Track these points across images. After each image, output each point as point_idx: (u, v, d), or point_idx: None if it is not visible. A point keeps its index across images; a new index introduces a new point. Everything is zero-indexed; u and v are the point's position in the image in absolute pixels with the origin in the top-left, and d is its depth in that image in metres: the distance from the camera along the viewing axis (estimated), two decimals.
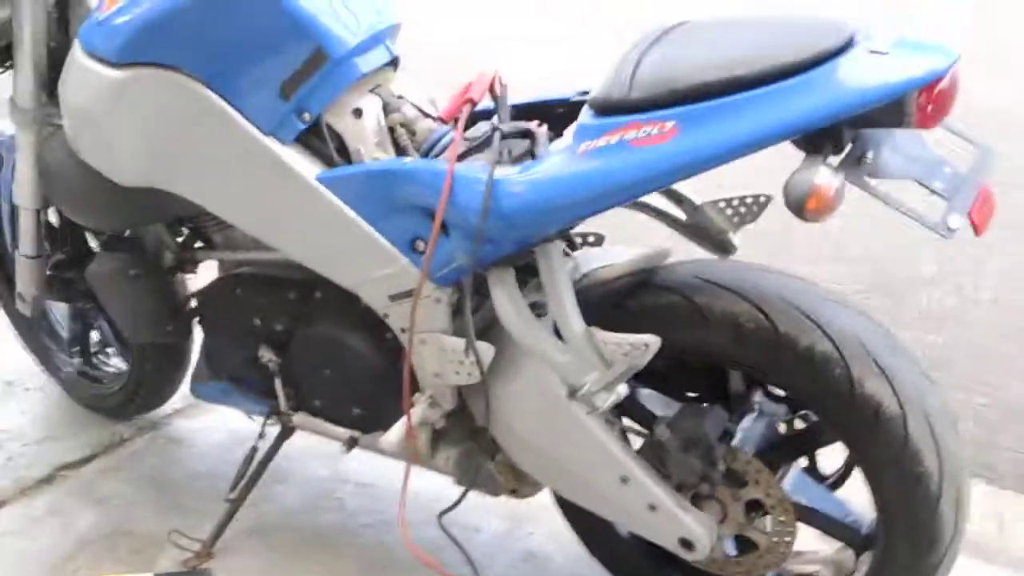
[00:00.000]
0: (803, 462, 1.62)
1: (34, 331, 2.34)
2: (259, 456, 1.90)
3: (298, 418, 1.81)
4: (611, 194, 1.36)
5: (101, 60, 1.60)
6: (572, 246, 1.70)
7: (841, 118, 1.24)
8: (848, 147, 1.30)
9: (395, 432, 1.60)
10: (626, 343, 1.41)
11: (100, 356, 2.34)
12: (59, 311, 2.34)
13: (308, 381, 1.77)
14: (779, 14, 1.42)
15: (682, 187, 1.64)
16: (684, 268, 1.53)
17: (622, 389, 1.45)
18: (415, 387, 1.62)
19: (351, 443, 1.76)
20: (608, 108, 1.38)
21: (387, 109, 1.64)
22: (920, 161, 1.29)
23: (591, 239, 1.75)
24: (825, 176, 1.23)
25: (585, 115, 1.41)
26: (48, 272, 2.08)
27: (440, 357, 1.57)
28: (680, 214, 1.68)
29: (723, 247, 1.66)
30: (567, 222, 1.45)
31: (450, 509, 1.66)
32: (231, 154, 1.59)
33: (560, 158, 1.40)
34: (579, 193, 1.37)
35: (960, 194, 1.26)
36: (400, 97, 1.66)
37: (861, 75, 1.22)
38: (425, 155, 1.62)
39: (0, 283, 2.30)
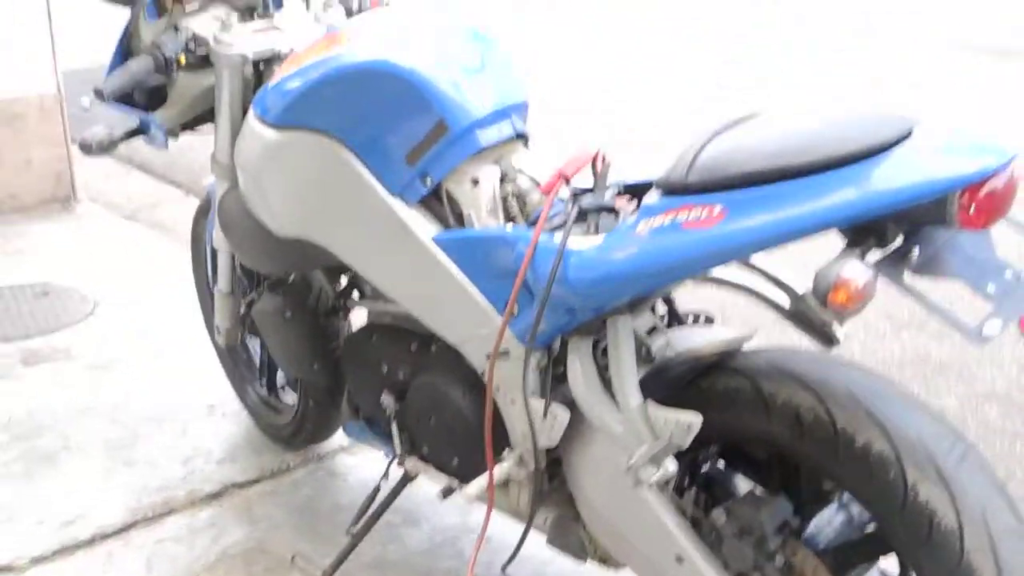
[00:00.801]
0: (880, 565, 1.54)
1: (233, 361, 2.61)
2: (383, 495, 2.03)
3: (410, 462, 1.93)
4: (662, 272, 1.39)
5: (265, 122, 1.81)
6: (679, 320, 1.72)
7: (879, 214, 1.21)
8: (896, 241, 1.26)
9: (475, 485, 1.67)
10: (672, 420, 1.42)
11: (282, 389, 2.57)
12: (256, 344, 2.60)
13: (418, 427, 1.88)
14: (855, 107, 1.41)
15: (786, 274, 1.63)
16: (764, 354, 1.52)
17: (671, 465, 1.45)
18: (507, 443, 1.70)
19: (447, 492, 1.84)
20: (669, 189, 1.41)
21: (504, 179, 1.74)
22: (977, 262, 1.23)
23: (701, 318, 1.76)
24: (852, 270, 1.20)
25: (651, 194, 1.45)
26: (242, 308, 2.35)
27: (525, 418, 1.63)
28: (785, 301, 1.67)
29: (827, 338, 1.62)
30: (627, 295, 1.48)
31: (509, 561, 1.73)
32: (364, 211, 1.75)
33: (623, 234, 1.44)
34: (633, 269, 1.41)
35: (1013, 299, 1.19)
36: (519, 170, 1.76)
37: (905, 171, 1.19)
38: (531, 225, 1.70)
39: (208, 316, 2.58)
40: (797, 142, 1.32)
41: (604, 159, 1.65)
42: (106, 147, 2.02)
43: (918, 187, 1.17)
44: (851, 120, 1.34)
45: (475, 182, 1.72)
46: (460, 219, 1.73)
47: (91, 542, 2.17)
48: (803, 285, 1.62)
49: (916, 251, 1.25)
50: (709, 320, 1.74)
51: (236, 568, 2.07)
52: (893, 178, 1.19)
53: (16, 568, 2.09)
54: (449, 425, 1.81)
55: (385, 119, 1.72)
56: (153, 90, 2.08)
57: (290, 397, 2.54)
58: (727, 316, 1.73)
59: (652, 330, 1.61)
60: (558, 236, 1.53)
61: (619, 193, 1.63)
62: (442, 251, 1.69)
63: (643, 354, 1.59)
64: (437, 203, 1.75)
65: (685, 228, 1.36)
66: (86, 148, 2.02)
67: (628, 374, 1.48)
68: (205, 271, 2.58)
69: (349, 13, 2.12)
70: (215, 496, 2.34)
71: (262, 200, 1.90)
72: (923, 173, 1.18)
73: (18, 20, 3.93)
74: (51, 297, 3.37)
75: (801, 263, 1.47)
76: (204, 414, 2.67)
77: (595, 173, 1.65)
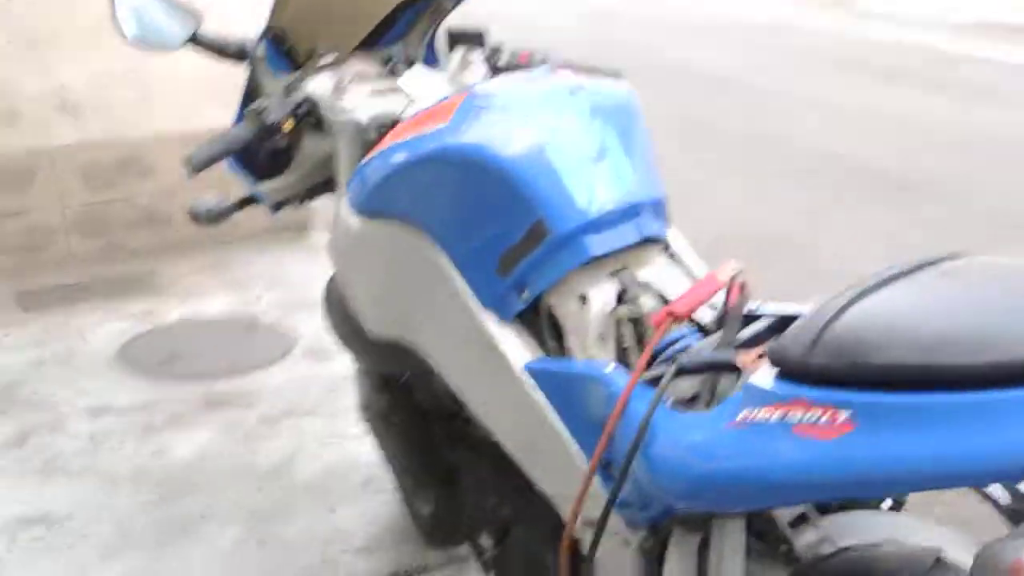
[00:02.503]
0: None
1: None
2: None
3: None
4: (761, 491, 0.99)
5: (354, 208, 1.55)
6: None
7: None
8: None
9: None
10: None
11: None
12: None
13: None
14: None
15: None
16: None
17: None
18: None
19: None
20: (786, 366, 1.01)
21: (623, 298, 1.38)
22: None
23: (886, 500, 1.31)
24: None
25: (763, 368, 1.05)
26: None
27: None
28: (1004, 495, 1.20)
29: None
30: (719, 506, 1.09)
31: None
32: (452, 320, 1.45)
33: (716, 421, 1.05)
34: (722, 476, 1.02)
35: None
36: (646, 285, 1.39)
37: None
38: (652, 360, 1.33)
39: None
40: (983, 326, 0.89)
41: (743, 286, 1.26)
42: (215, 218, 1.83)
43: None
44: None
45: (583, 300, 1.38)
46: (563, 344, 1.40)
47: None
48: None
49: None
50: (899, 504, 1.30)
51: None
52: None
53: None
54: None
55: (476, 216, 1.41)
56: (278, 153, 1.87)
57: None
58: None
59: (800, 519, 1.20)
60: (646, 390, 1.17)
61: (754, 339, 1.23)
62: (534, 383, 1.36)
63: (783, 553, 1.19)
64: (539, 321, 1.42)
65: (796, 433, 0.96)
66: (195, 218, 1.84)
67: None
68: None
69: (495, 71, 1.81)
70: None
71: (353, 294, 1.64)
72: None
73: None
74: (255, 334, 3.31)
75: None
76: (358, 489, 2.47)
77: (727, 302, 1.27)
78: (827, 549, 1.17)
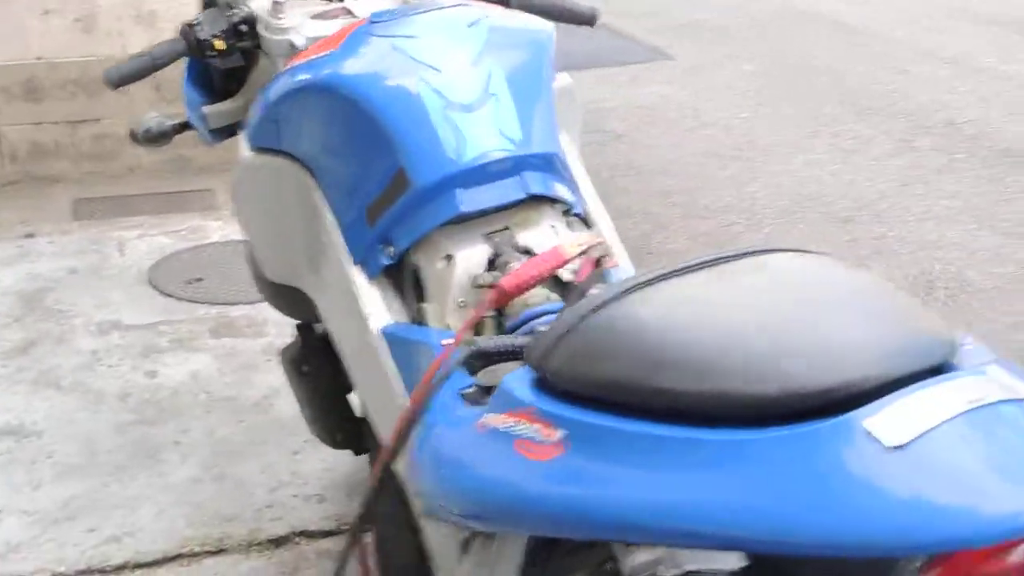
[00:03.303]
0: None
1: None
2: None
3: None
4: (481, 511, 0.83)
5: (248, 141, 1.43)
6: None
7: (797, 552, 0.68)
8: None
9: None
10: None
11: None
12: None
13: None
14: (875, 288, 0.73)
15: None
16: None
17: None
18: None
19: None
20: (533, 367, 0.84)
21: (495, 263, 1.21)
22: None
23: None
24: None
25: (518, 370, 0.87)
26: None
27: None
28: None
29: None
30: (457, 515, 0.92)
31: None
32: (328, 268, 1.32)
33: (470, 419, 0.88)
34: (452, 483, 0.87)
35: None
36: (525, 250, 1.22)
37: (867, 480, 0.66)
38: (508, 333, 1.17)
39: None
40: (713, 344, 0.71)
41: (599, 262, 1.07)
42: (153, 139, 1.72)
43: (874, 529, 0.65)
44: (847, 317, 0.71)
45: (448, 261, 1.21)
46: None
47: (118, 569, 1.96)
48: None
49: None
50: None
51: None
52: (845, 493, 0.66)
53: None
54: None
55: (348, 158, 1.26)
56: (233, 77, 1.74)
57: None
58: None
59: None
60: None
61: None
62: (387, 348, 1.21)
63: (606, 572, 1.01)
64: (406, 280, 1.26)
65: (516, 448, 0.80)
66: (133, 136, 1.74)
67: None
68: None
69: None
70: (275, 543, 2.03)
71: (249, 237, 1.52)
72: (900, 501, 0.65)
73: None
74: None
75: None
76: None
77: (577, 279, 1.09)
78: (665, 573, 0.98)
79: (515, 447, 0.80)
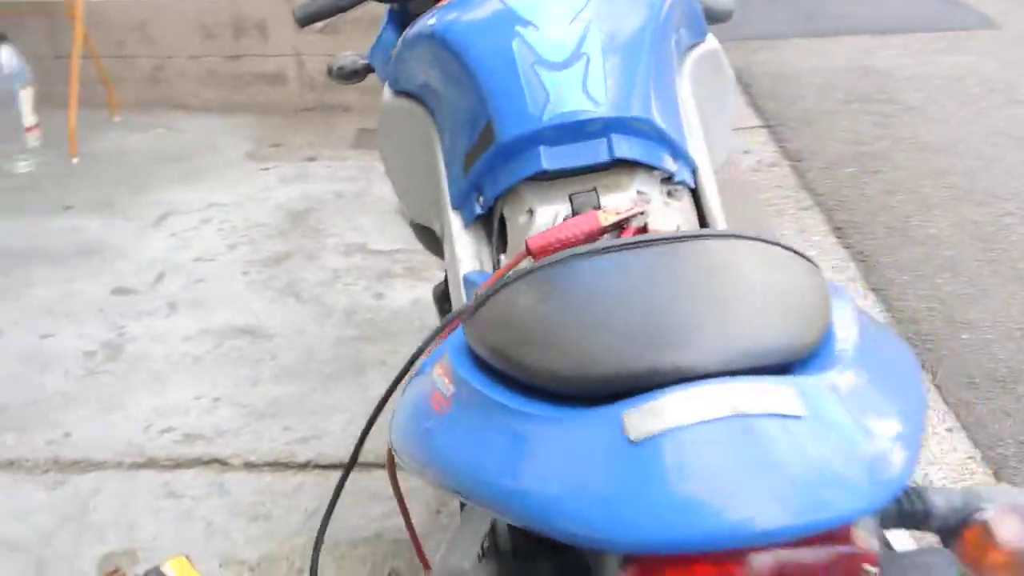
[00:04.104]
0: None
1: None
2: None
3: None
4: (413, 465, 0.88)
5: (388, 83, 1.52)
6: None
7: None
8: None
9: None
10: None
11: None
12: None
13: None
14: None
15: None
16: None
17: None
18: None
19: None
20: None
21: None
22: None
23: None
24: None
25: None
26: None
27: None
28: None
29: None
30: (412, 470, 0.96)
31: None
32: (443, 211, 1.40)
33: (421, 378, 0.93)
34: (399, 433, 0.91)
35: None
36: (606, 211, 1.23)
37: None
38: None
39: None
40: (551, 324, 0.74)
41: (643, 230, 1.08)
42: (345, 76, 1.84)
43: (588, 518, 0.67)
44: (694, 308, 0.70)
45: (530, 215, 1.25)
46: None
47: (301, 467, 2.16)
48: None
49: None
50: None
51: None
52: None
53: None
54: None
55: (454, 106, 1.33)
56: None
57: None
58: None
59: None
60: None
61: None
62: (464, 294, 1.27)
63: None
64: (495, 231, 1.31)
65: (431, 400, 0.84)
66: (328, 71, 1.87)
67: None
68: None
69: None
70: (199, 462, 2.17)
71: (392, 178, 1.61)
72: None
73: None
74: None
75: None
76: None
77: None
78: None
79: (432, 399, 0.85)
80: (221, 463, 2.17)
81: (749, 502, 0.65)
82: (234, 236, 3.12)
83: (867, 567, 0.69)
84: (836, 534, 0.69)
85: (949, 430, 2.29)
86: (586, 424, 0.71)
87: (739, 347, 0.72)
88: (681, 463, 0.66)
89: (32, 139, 3.60)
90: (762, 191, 3.51)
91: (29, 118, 3.57)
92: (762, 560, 0.67)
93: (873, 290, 2.86)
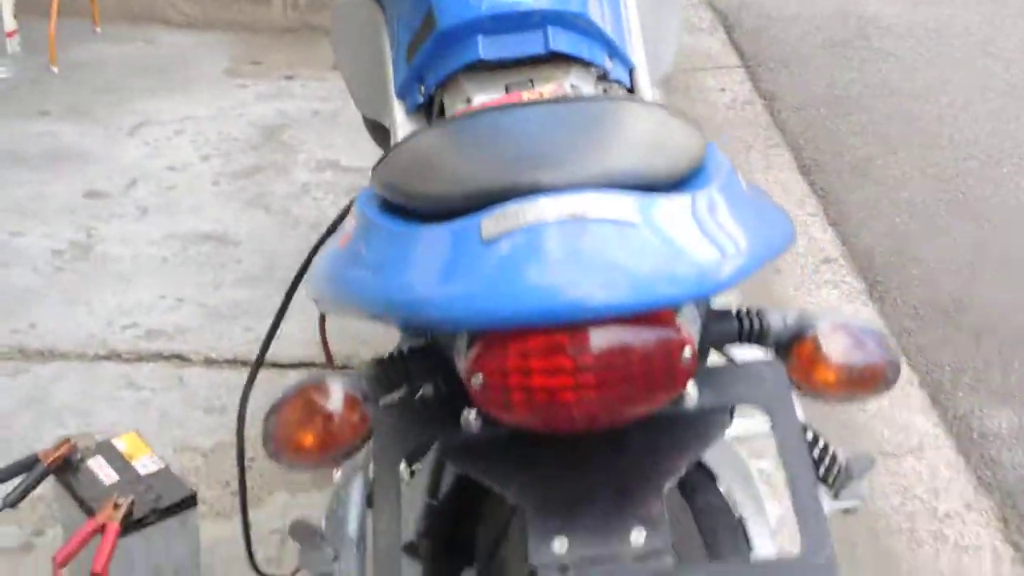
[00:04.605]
0: None
1: None
2: None
3: None
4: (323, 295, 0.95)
5: None
6: None
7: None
8: None
9: None
10: None
11: None
12: None
13: None
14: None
15: None
16: None
17: None
18: None
19: None
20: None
21: None
22: None
23: None
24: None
25: None
26: None
27: None
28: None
29: None
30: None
31: None
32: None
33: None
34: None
35: None
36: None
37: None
38: None
39: None
40: (441, 154, 0.81)
41: None
42: None
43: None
44: (570, 138, 0.77)
45: (467, 103, 1.30)
46: None
47: None
48: None
49: None
50: None
51: None
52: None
53: None
54: None
55: None
56: None
57: None
58: None
59: None
60: None
61: None
62: None
63: None
64: (435, 120, 1.37)
65: (341, 238, 0.92)
66: None
67: None
68: None
69: None
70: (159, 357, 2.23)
71: (343, 74, 1.66)
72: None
73: None
74: None
75: None
76: None
77: None
78: None
79: (339, 240, 0.93)
80: (181, 358, 2.24)
81: (579, 285, 0.73)
82: (207, 148, 3.16)
83: (686, 352, 0.77)
84: (659, 318, 0.77)
85: None
86: (451, 232, 0.80)
87: (596, 169, 0.79)
88: (523, 255, 0.74)
89: (12, 45, 3.61)
90: (735, 128, 3.55)
91: (9, 23, 3.58)
92: (590, 336, 0.75)
93: (832, 225, 2.92)
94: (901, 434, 2.15)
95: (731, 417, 0.91)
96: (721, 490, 1.08)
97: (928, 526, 1.93)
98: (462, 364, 0.79)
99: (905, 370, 2.32)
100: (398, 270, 0.81)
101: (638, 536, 0.79)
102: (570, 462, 0.83)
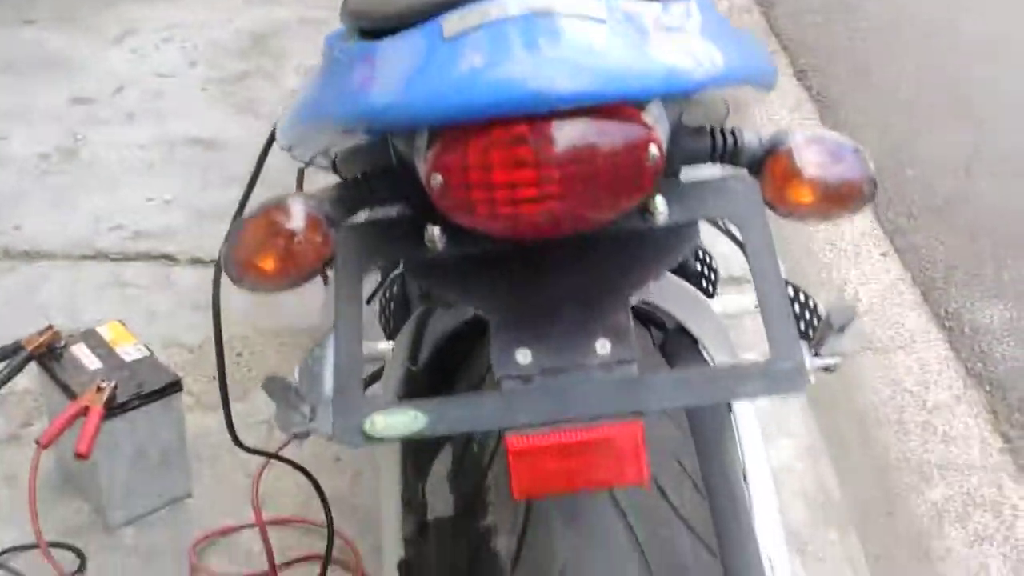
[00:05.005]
0: None
1: None
2: None
3: None
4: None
5: None
6: None
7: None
8: None
9: None
10: None
11: None
12: None
13: None
14: None
15: None
16: None
17: None
18: None
19: None
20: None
21: None
22: None
23: None
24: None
25: None
26: None
27: None
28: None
29: None
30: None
31: None
32: None
33: None
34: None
35: None
36: None
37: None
38: None
39: None
40: None
41: None
42: None
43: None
44: None
45: None
46: None
47: None
48: None
49: None
50: None
51: None
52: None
53: None
54: None
55: None
56: None
57: None
58: None
59: None
60: None
61: None
62: None
63: None
64: None
65: (307, 80, 0.94)
66: None
67: None
68: None
69: None
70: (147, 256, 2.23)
71: None
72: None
73: None
74: None
75: None
76: None
77: None
78: None
79: (308, 77, 0.92)
80: (168, 258, 2.23)
81: (542, 75, 0.71)
82: (195, 54, 3.11)
83: (652, 149, 0.75)
84: (624, 113, 0.75)
85: (883, 254, 2.35)
86: (414, 36, 0.79)
87: None
88: (485, 48, 0.73)
89: None
90: None
91: None
92: (552, 127, 0.73)
93: (828, 128, 2.88)
94: (892, 330, 2.14)
95: (699, 232, 0.89)
96: (704, 356, 1.08)
97: (916, 417, 1.93)
98: (423, 168, 0.77)
99: (898, 267, 2.31)
100: (365, 78, 0.80)
101: (603, 346, 0.77)
102: (536, 276, 0.82)
